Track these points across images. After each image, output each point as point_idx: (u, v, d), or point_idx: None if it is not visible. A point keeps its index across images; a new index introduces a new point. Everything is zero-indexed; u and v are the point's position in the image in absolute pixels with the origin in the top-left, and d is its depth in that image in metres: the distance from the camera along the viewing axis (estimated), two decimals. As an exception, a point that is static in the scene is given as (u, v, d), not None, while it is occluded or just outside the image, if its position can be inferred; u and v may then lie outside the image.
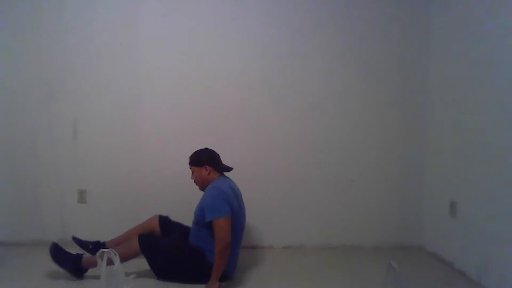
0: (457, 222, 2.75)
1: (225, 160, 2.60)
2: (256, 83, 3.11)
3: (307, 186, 3.16)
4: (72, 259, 2.38)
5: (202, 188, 2.55)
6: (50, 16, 2.99)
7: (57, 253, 2.39)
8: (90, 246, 2.58)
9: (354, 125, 3.16)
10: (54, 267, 2.47)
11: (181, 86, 3.08)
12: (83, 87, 3.04)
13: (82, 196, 3.07)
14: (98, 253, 2.13)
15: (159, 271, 2.42)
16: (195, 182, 2.56)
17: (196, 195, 2.79)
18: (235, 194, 2.48)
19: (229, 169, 2.58)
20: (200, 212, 2.39)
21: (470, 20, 2.67)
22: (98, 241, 2.64)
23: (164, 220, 2.67)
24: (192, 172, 2.56)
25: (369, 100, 3.16)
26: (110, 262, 2.10)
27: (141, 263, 2.59)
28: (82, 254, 2.45)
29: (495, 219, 2.37)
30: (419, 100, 3.17)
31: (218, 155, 2.59)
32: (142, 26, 3.04)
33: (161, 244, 2.44)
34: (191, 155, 2.57)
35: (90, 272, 2.40)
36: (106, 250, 2.08)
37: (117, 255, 2.09)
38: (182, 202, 2.78)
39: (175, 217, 2.75)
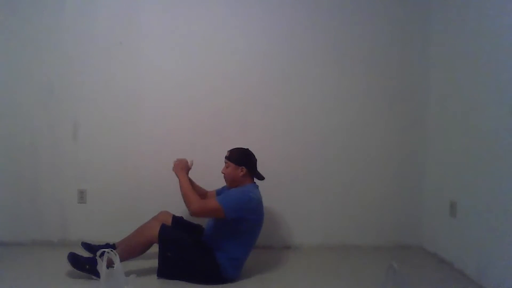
0: (457, 222, 2.75)
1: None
2: (256, 83, 3.11)
3: (307, 186, 3.16)
4: (90, 262, 2.38)
5: (230, 185, 2.58)
6: (50, 16, 2.99)
7: (75, 260, 2.41)
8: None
9: (353, 125, 3.16)
10: (54, 267, 2.50)
11: (181, 86, 3.08)
12: (83, 87, 3.04)
13: (82, 196, 3.07)
14: (98, 253, 2.12)
15: (166, 264, 2.40)
16: (225, 177, 2.57)
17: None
18: (263, 206, 2.56)
19: (262, 177, 2.63)
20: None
21: (470, 19, 2.67)
22: (108, 244, 2.65)
23: (177, 220, 2.69)
24: (226, 167, 2.56)
25: (369, 100, 3.16)
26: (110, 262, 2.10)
27: (141, 263, 2.60)
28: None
29: (495, 219, 2.37)
30: (419, 100, 3.17)
31: (256, 160, 2.62)
32: (143, 26, 3.04)
33: (180, 237, 2.43)
34: (232, 150, 2.58)
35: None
36: (106, 250, 2.08)
37: (117, 255, 2.09)
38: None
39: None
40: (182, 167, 2.56)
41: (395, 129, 3.18)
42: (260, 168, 2.64)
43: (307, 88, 3.14)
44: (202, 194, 2.74)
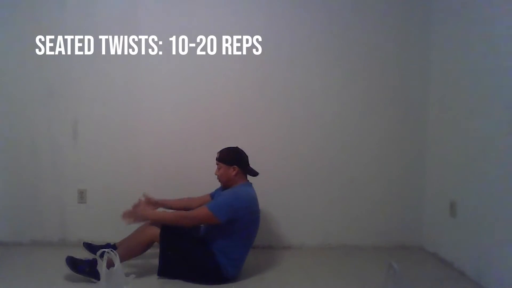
0: (457, 222, 2.75)
1: (225, 160, 2.60)
2: (255, 83, 3.11)
3: (306, 186, 3.16)
4: (89, 264, 2.37)
5: (225, 186, 2.58)
6: (50, 16, 2.99)
7: (74, 263, 2.39)
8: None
9: (353, 125, 3.16)
10: (54, 267, 2.49)
11: (181, 87, 3.08)
12: (83, 88, 3.04)
13: (82, 196, 3.07)
14: (98, 253, 2.12)
15: (167, 263, 2.40)
16: (218, 178, 2.58)
17: (197, 196, 2.79)
18: (257, 204, 2.54)
19: (256, 173, 2.61)
20: None
21: (470, 20, 2.67)
22: (109, 244, 2.64)
23: None
24: (218, 168, 2.56)
25: (369, 100, 3.16)
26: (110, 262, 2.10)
27: (141, 263, 2.60)
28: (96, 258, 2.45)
29: (495, 219, 2.37)
30: (419, 99, 3.17)
31: (247, 157, 2.61)
32: (143, 26, 3.03)
33: (181, 236, 2.43)
34: (221, 151, 2.58)
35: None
36: (106, 250, 2.08)
37: (117, 255, 2.09)
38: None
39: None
40: (141, 212, 2.50)
41: (395, 129, 3.18)
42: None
43: (307, 90, 3.13)
44: (191, 204, 2.67)
